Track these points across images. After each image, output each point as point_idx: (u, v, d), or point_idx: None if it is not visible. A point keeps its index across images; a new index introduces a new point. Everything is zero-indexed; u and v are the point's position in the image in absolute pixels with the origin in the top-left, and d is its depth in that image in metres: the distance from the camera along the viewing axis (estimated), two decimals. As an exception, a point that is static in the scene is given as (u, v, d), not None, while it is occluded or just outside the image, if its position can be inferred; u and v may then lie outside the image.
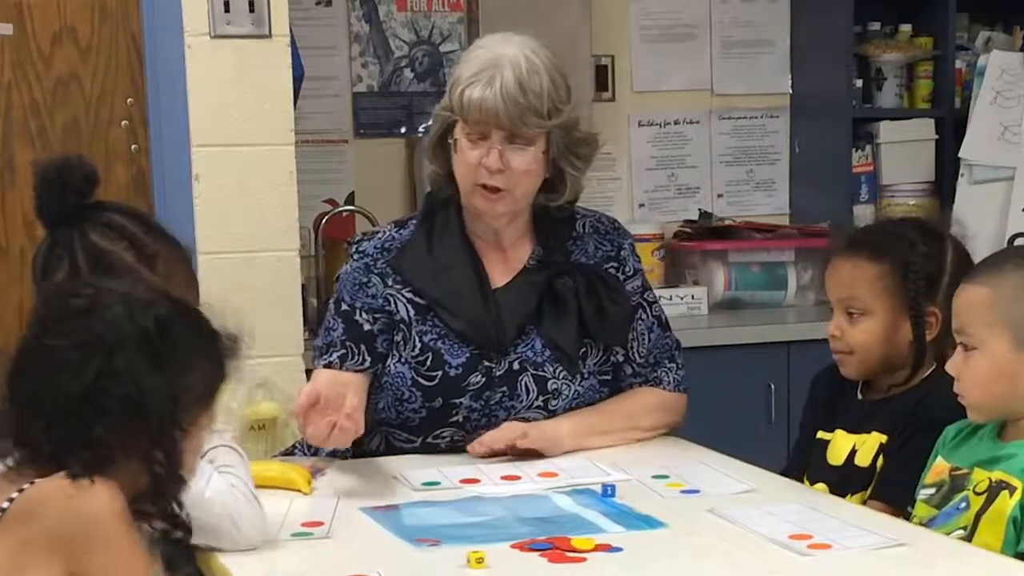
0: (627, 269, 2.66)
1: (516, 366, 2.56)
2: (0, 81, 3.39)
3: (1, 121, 3.40)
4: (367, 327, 2.56)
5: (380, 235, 2.65)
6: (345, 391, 2.36)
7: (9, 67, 3.40)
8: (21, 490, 1.56)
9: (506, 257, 2.62)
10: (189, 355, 1.64)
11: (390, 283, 2.58)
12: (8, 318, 3.43)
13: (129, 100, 3.46)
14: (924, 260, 2.39)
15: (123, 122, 3.47)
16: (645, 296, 2.68)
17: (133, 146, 3.47)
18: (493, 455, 2.48)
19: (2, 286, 3.42)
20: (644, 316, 2.66)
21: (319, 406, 2.30)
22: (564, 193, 2.59)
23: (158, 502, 1.61)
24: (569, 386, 2.57)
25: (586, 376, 2.60)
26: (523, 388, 2.55)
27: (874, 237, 2.49)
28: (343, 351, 2.54)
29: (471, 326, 2.54)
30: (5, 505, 1.56)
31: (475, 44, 2.60)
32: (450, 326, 2.55)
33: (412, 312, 2.56)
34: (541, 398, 2.56)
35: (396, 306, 2.57)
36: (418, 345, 2.54)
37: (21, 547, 1.53)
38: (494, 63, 2.49)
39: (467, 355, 2.54)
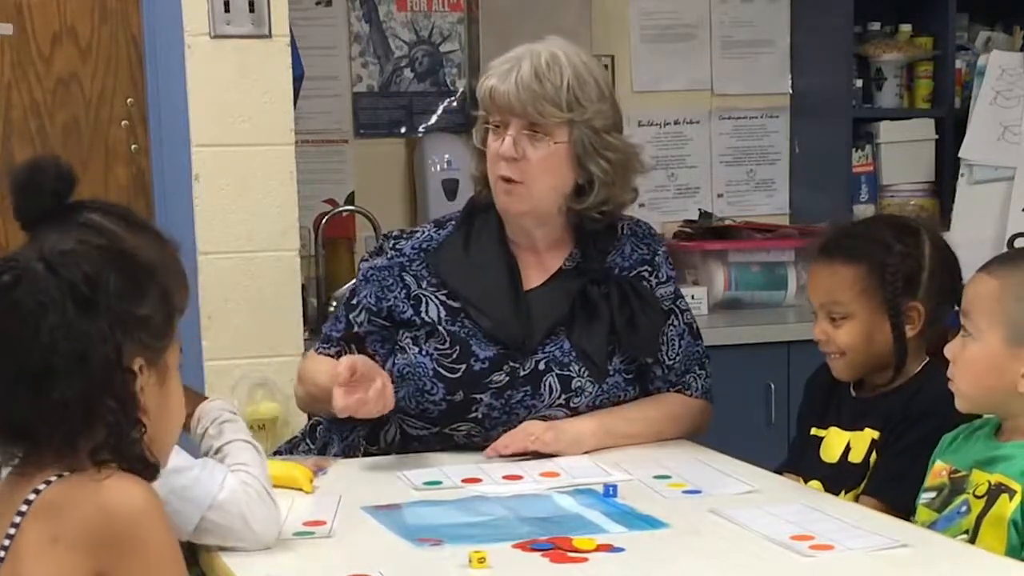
0: (660, 275, 2.66)
1: (542, 366, 2.55)
2: (0, 81, 3.39)
3: (1, 121, 3.40)
4: (355, 329, 2.63)
5: (419, 234, 2.66)
6: (377, 370, 2.45)
7: (9, 67, 3.39)
8: (48, 482, 1.55)
9: (541, 259, 2.62)
10: (126, 295, 1.59)
11: (424, 285, 2.59)
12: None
13: (129, 100, 3.46)
14: (900, 259, 2.39)
15: (123, 122, 3.46)
16: (677, 303, 2.68)
17: (133, 146, 3.47)
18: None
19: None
20: (676, 322, 2.66)
21: (354, 378, 2.39)
22: (590, 197, 2.56)
23: (119, 448, 1.56)
24: (593, 384, 2.57)
25: (611, 374, 2.59)
26: (546, 388, 2.55)
27: (848, 240, 2.48)
28: (339, 348, 2.65)
29: (500, 327, 2.54)
30: (32, 497, 1.54)
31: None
32: (479, 325, 2.55)
33: (443, 313, 2.57)
34: (564, 396, 2.56)
35: (426, 306, 2.58)
36: (447, 339, 2.55)
37: (51, 542, 1.51)
38: (518, 57, 2.52)
39: (494, 351, 2.54)
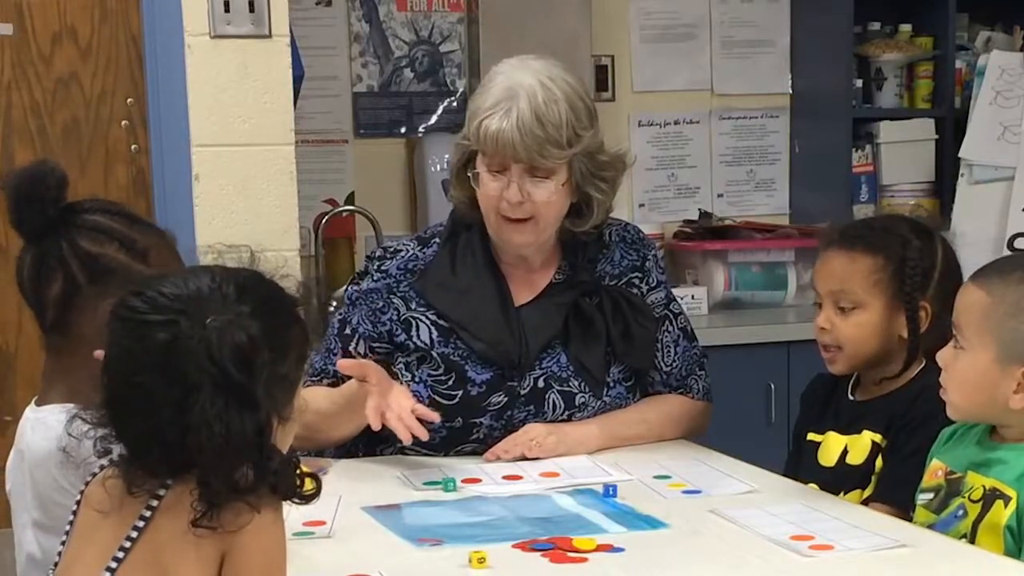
0: (651, 280, 2.65)
1: (541, 383, 2.54)
2: (0, 81, 3.39)
3: (1, 121, 3.40)
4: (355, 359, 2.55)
5: (403, 253, 2.61)
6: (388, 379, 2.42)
7: (9, 67, 3.39)
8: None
9: (531, 276, 2.60)
10: (275, 358, 1.55)
11: (413, 306, 2.56)
12: (8, 318, 3.43)
13: (129, 100, 3.46)
14: (919, 255, 2.39)
15: (123, 122, 3.46)
16: (670, 308, 2.67)
17: (133, 146, 3.47)
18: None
19: (2, 286, 3.41)
20: (670, 328, 2.65)
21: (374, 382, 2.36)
22: (590, 219, 2.55)
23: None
24: (597, 399, 2.56)
25: (612, 385, 2.58)
26: (549, 405, 2.53)
27: (868, 232, 2.48)
28: (332, 380, 2.56)
29: (493, 347, 2.52)
30: (161, 493, 1.54)
31: (493, 70, 2.52)
32: (472, 347, 2.52)
33: (435, 334, 2.54)
34: (567, 412, 2.55)
35: (417, 329, 2.55)
36: (441, 365, 2.52)
37: (182, 533, 1.52)
38: (511, 93, 2.44)
39: (490, 374, 2.52)
